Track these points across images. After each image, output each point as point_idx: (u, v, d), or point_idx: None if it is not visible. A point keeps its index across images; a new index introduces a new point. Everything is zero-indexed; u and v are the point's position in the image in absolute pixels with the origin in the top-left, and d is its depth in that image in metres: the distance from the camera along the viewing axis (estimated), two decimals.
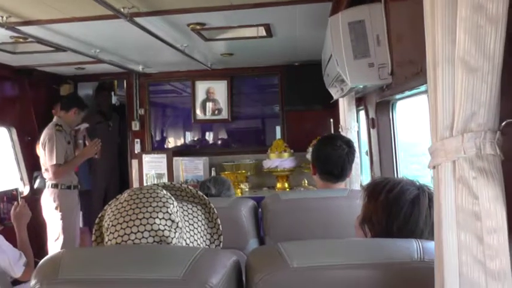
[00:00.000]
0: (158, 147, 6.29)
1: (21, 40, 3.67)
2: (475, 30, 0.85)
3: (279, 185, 5.37)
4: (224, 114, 5.99)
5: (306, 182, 5.25)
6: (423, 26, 0.99)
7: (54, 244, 4.57)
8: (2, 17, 3.02)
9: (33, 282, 1.15)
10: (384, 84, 2.38)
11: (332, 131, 4.92)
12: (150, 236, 1.22)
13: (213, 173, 5.48)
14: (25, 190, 5.20)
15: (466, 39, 0.86)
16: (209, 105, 6.01)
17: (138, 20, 3.09)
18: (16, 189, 3.26)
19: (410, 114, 3.03)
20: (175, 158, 5.69)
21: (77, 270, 1.14)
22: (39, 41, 3.63)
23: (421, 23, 1.01)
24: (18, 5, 2.87)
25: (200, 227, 1.38)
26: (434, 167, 0.96)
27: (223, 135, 6.39)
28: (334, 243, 1.28)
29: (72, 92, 5.76)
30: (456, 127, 0.90)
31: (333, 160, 2.48)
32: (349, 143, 2.55)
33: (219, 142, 6.40)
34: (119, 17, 2.91)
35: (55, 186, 4.65)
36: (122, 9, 2.86)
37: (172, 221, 1.26)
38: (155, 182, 5.41)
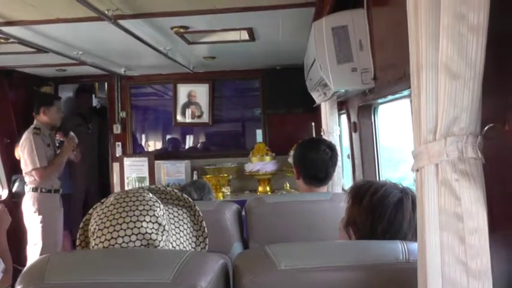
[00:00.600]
0: (139, 150, 6.26)
1: (2, 40, 3.62)
2: (457, 38, 0.88)
3: (260, 189, 5.38)
4: (205, 118, 5.99)
5: (288, 185, 5.27)
6: (405, 32, 1.01)
7: (34, 248, 4.51)
8: None
9: (19, 287, 1.14)
10: (366, 88, 2.42)
11: (314, 135, 4.96)
12: (137, 239, 1.23)
13: (195, 177, 5.47)
14: (3, 194, 5.12)
15: (448, 46, 0.89)
16: (190, 108, 6.00)
17: (122, 22, 3.08)
18: None
19: (390, 119, 3.08)
20: (156, 162, 5.67)
21: (63, 274, 1.14)
22: (21, 41, 3.59)
23: (403, 28, 1.04)
24: (2, 5, 2.84)
25: (186, 230, 1.39)
26: (417, 170, 0.98)
27: (204, 138, 6.39)
28: (321, 245, 1.30)
29: (38, 94, 5.64)
30: (439, 131, 0.92)
31: (318, 164, 2.51)
32: (332, 147, 2.58)
33: (200, 145, 6.39)
34: (103, 19, 2.89)
35: (35, 189, 4.60)
36: (107, 12, 2.85)
37: (160, 224, 1.26)
38: (136, 186, 5.40)
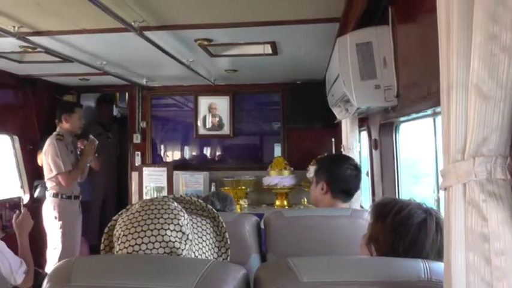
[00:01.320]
0: (158, 160, 6.30)
1: (29, 50, 3.71)
2: (488, 58, 0.88)
3: (278, 203, 5.37)
4: (226, 130, 6.03)
5: (306, 200, 5.26)
6: (431, 50, 1.01)
7: (53, 253, 4.57)
8: (14, 27, 3.06)
9: (45, 286, 1.16)
10: (389, 106, 2.42)
11: (333, 151, 4.95)
12: (161, 247, 1.24)
13: (213, 188, 5.48)
14: (25, 198, 5.20)
15: (480, 66, 0.89)
16: (211, 120, 6.04)
17: (147, 33, 3.13)
18: (19, 198, 3.28)
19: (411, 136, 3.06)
20: (175, 172, 5.70)
21: (89, 277, 1.16)
22: (48, 51, 3.67)
23: (429, 46, 1.04)
24: (31, 15, 2.91)
25: (209, 240, 1.40)
26: (445, 189, 0.98)
27: (223, 150, 6.41)
28: (344, 259, 1.30)
29: (60, 102, 5.70)
30: (468, 151, 0.92)
31: (349, 180, 2.53)
32: (358, 167, 2.61)
33: (219, 157, 6.42)
34: (128, 30, 2.95)
35: (56, 195, 4.66)
36: (133, 23, 2.90)
37: (183, 233, 1.28)
38: (155, 195, 5.43)
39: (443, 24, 0.97)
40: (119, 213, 1.37)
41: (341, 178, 2.53)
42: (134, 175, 5.97)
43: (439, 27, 0.98)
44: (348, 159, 2.69)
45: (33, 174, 5.19)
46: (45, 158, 4.67)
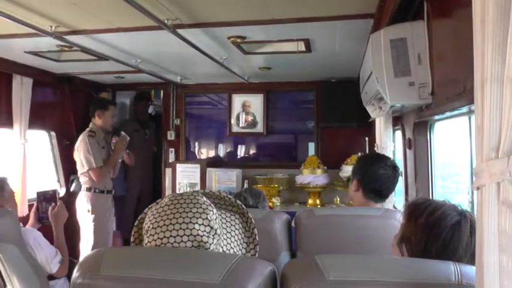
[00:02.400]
0: (191, 157, 6.36)
1: (66, 49, 3.79)
2: None
3: (310, 201, 5.34)
4: (259, 128, 6.03)
5: (338, 199, 5.21)
6: (468, 45, 0.98)
7: (86, 244, 4.71)
8: (51, 26, 3.13)
9: (76, 274, 1.19)
10: (423, 104, 2.36)
11: (367, 150, 4.89)
12: (189, 240, 1.25)
13: (246, 185, 5.50)
14: (61, 192, 5.33)
15: None
16: (245, 118, 6.05)
17: (180, 31, 3.16)
18: (55, 191, 3.37)
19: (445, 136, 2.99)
20: (208, 169, 5.74)
21: (117, 267, 1.18)
22: (84, 49, 3.74)
23: (465, 41, 1.01)
24: (68, 15, 2.97)
25: (237, 235, 1.40)
26: (478, 188, 0.94)
27: (256, 148, 6.42)
28: (371, 259, 1.27)
29: (94, 98, 5.82)
30: (502, 149, 0.88)
31: (383, 180, 2.48)
32: (395, 166, 2.54)
33: (252, 155, 6.43)
34: (162, 28, 2.98)
35: (89, 189, 4.79)
36: (166, 21, 2.92)
37: (211, 228, 1.28)
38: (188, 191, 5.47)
39: (478, 16, 0.94)
40: (149, 206, 1.39)
41: (373, 177, 2.50)
42: (168, 171, 6.04)
43: (474, 19, 0.95)
44: (384, 159, 2.63)
45: (69, 168, 5.33)
46: (77, 154, 4.80)
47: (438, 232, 1.36)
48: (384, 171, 2.49)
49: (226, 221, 1.40)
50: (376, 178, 2.49)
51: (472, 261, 1.30)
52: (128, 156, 5.36)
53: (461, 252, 1.34)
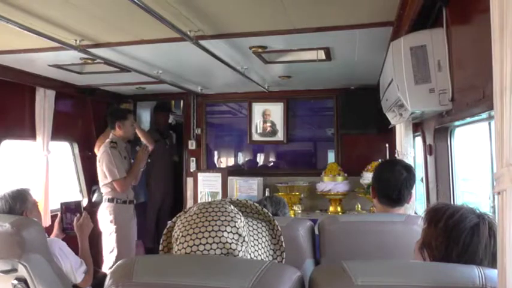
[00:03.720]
0: (212, 166, 6.41)
1: (89, 61, 3.87)
2: None
3: (331, 209, 5.34)
4: (280, 136, 6.05)
5: (359, 206, 5.20)
6: (487, 52, 1.00)
7: (109, 256, 4.73)
8: (76, 40, 3.21)
9: (108, 282, 1.22)
10: (444, 110, 2.37)
11: (387, 156, 4.88)
12: (218, 248, 1.28)
13: (267, 193, 5.51)
14: (84, 202, 5.41)
15: None
16: (265, 126, 6.08)
17: (202, 42, 3.21)
18: (79, 201, 3.42)
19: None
20: (229, 178, 5.77)
21: (149, 274, 1.20)
22: (106, 62, 3.81)
23: (484, 48, 1.03)
24: (92, 29, 3.05)
25: (264, 242, 1.43)
26: (498, 193, 0.96)
27: (277, 156, 6.44)
28: (398, 263, 1.29)
29: (111, 109, 5.81)
30: None
31: (391, 184, 2.46)
32: (408, 169, 2.53)
33: (273, 163, 6.45)
34: (185, 39, 3.03)
35: (111, 200, 4.81)
36: (189, 32, 2.97)
37: (240, 235, 1.31)
38: (209, 200, 5.51)
39: (497, 24, 0.96)
40: (177, 215, 1.42)
41: (382, 182, 2.51)
42: (189, 180, 6.08)
43: (492, 26, 0.97)
44: (393, 162, 2.65)
45: (91, 179, 5.40)
46: (100, 166, 4.82)
47: (457, 235, 1.39)
48: (392, 175, 2.48)
49: (253, 229, 1.43)
50: (385, 182, 2.50)
51: (493, 263, 1.32)
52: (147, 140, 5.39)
53: (481, 254, 1.36)
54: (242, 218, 1.36)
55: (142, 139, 5.39)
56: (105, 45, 3.39)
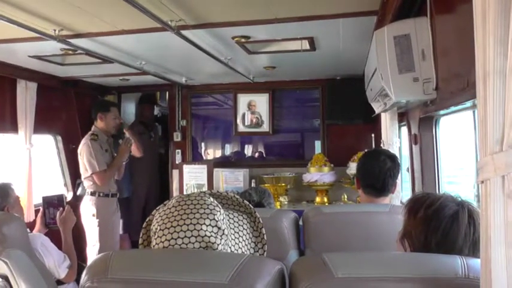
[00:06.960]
0: (198, 158, 6.37)
1: (70, 52, 3.80)
2: None
3: (318, 199, 5.34)
4: (265, 127, 6.03)
5: (346, 197, 5.20)
6: (471, 40, 0.98)
7: (92, 249, 4.67)
8: (55, 30, 3.14)
9: (84, 278, 1.19)
10: (428, 99, 2.36)
11: (373, 146, 4.88)
12: (196, 241, 1.25)
13: (253, 185, 5.50)
14: (68, 196, 5.35)
15: None
16: (250, 117, 6.06)
17: (184, 32, 3.16)
18: (61, 195, 3.37)
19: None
20: (215, 169, 5.75)
21: (125, 270, 1.18)
22: (88, 53, 3.75)
23: (468, 36, 1.01)
24: (71, 18, 2.98)
25: (245, 235, 1.40)
26: (482, 182, 0.94)
27: (263, 147, 6.42)
28: (379, 255, 1.28)
29: (96, 100, 5.78)
30: (506, 141, 0.89)
31: (375, 174, 2.47)
32: (392, 158, 2.53)
33: (259, 154, 6.43)
34: (166, 29, 2.98)
35: (93, 193, 4.74)
36: (170, 22, 2.93)
37: (219, 228, 1.28)
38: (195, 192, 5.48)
39: (479, 11, 0.94)
40: (157, 208, 1.39)
41: (365, 172, 2.52)
42: (175, 173, 6.04)
43: (475, 13, 0.95)
44: (378, 153, 2.64)
45: (75, 172, 5.31)
46: (80, 158, 4.76)
47: (437, 224, 1.38)
48: (375, 164, 2.48)
49: (234, 221, 1.40)
50: (368, 172, 2.51)
51: (473, 252, 1.31)
52: (137, 149, 5.30)
53: (461, 242, 1.35)
54: (222, 211, 1.33)
55: (133, 146, 5.28)
56: (85, 35, 3.33)
